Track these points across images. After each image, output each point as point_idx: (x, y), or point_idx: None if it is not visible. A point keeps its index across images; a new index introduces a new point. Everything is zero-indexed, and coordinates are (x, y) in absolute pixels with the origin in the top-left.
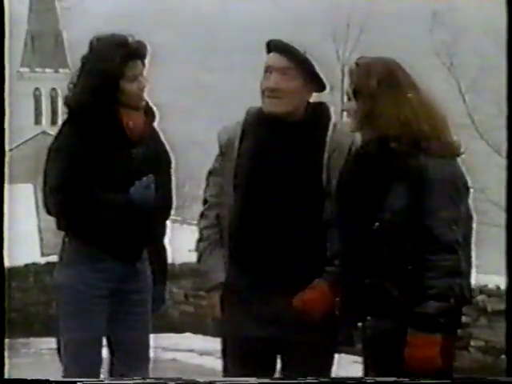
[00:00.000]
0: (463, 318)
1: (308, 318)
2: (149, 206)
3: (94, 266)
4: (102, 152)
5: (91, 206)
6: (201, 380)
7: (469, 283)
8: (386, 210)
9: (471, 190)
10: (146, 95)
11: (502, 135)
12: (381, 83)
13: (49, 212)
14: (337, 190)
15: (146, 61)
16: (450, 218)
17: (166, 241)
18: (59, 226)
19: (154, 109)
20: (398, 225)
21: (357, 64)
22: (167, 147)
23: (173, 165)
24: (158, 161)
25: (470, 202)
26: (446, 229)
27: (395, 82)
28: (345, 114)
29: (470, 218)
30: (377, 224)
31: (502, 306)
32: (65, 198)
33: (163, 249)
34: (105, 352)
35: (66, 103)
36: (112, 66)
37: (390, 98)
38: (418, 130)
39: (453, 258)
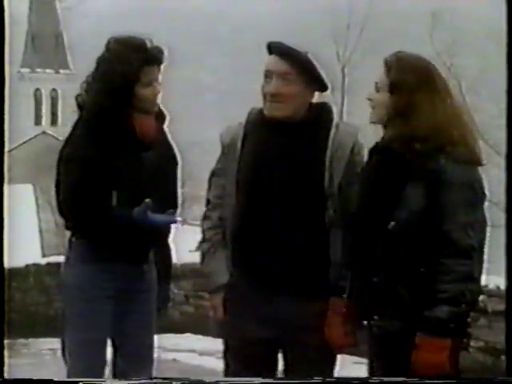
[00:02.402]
0: None
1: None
2: (149, 227)
3: (100, 266)
4: (113, 157)
5: (102, 214)
6: (206, 380)
7: (479, 288)
8: (402, 210)
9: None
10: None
11: (502, 135)
12: (420, 82)
13: (63, 215)
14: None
15: (162, 66)
16: (466, 222)
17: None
18: (67, 227)
19: (165, 111)
20: (414, 226)
21: (397, 57)
22: (175, 149)
23: (179, 166)
24: (166, 163)
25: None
26: (462, 233)
27: (433, 84)
28: (345, 109)
29: (485, 223)
30: (392, 223)
31: (503, 307)
32: (78, 203)
33: (168, 248)
34: (108, 352)
35: (79, 103)
36: (128, 69)
37: (427, 99)
38: (447, 136)
39: (467, 263)
